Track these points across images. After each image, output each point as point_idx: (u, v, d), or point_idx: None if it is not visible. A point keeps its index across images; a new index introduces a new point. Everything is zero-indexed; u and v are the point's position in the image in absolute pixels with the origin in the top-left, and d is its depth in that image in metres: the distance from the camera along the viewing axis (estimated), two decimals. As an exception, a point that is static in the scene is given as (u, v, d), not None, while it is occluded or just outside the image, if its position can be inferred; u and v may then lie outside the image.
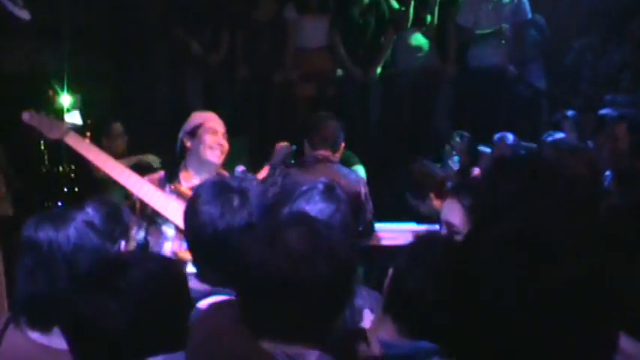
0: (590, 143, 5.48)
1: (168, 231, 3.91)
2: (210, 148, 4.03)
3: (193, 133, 4.08)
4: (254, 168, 5.93)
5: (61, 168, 6.33)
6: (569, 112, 6.27)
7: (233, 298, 1.90)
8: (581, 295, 1.16)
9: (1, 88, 6.33)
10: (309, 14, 7.63)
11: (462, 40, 7.74)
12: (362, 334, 2.04)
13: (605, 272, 1.18)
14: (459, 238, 2.51)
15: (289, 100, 7.64)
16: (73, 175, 6.48)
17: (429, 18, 7.75)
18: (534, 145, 5.66)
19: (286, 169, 4.68)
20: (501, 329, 1.16)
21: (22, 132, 4.18)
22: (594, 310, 1.17)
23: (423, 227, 4.82)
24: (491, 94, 7.44)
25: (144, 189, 3.94)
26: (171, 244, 3.89)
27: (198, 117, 4.19)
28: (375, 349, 1.96)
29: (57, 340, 2.29)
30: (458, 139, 6.38)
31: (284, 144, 4.79)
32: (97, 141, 5.56)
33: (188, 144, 4.09)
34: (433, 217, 4.35)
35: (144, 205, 3.96)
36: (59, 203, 6.12)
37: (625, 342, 1.24)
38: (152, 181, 4.02)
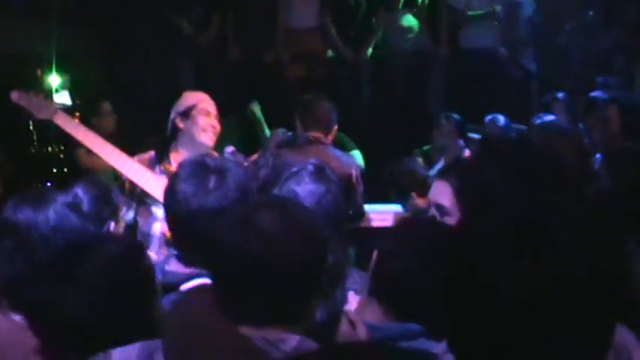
0: (580, 125, 5.47)
1: (158, 212, 3.89)
2: (204, 130, 4.02)
3: (186, 114, 4.06)
4: (245, 148, 5.92)
5: (50, 148, 6.30)
6: (560, 94, 6.27)
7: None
8: (582, 285, 1.15)
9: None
10: (300, -6, 7.60)
11: (454, 21, 7.72)
12: (347, 317, 2.03)
13: (606, 261, 1.17)
14: (449, 220, 2.50)
15: (280, 80, 7.61)
16: (62, 155, 6.45)
17: (420, -1, 7.73)
18: (525, 127, 5.66)
19: (277, 150, 4.66)
20: (501, 320, 1.15)
21: (12, 112, 4.15)
22: (594, 300, 1.16)
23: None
24: (482, 76, 7.43)
25: (133, 169, 3.93)
26: (161, 225, 3.87)
27: (191, 98, 4.17)
28: (361, 331, 1.96)
29: None
30: (444, 120, 6.37)
31: (280, 130, 4.78)
32: (86, 121, 5.53)
33: (181, 125, 4.07)
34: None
35: (133, 186, 3.94)
36: (48, 184, 6.10)
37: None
38: (142, 162, 4.00)
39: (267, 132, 6.05)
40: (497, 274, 1.16)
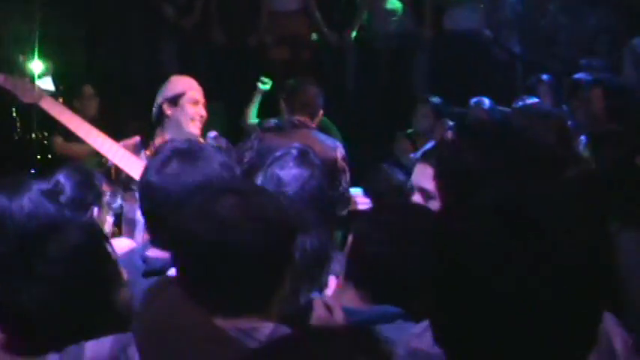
0: (565, 107, 5.48)
1: (144, 197, 3.87)
2: (192, 119, 4.02)
3: (174, 101, 4.05)
4: (229, 133, 5.90)
5: (33, 135, 6.26)
6: (544, 76, 6.27)
7: None
8: (568, 273, 1.15)
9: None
10: (284, -23, 7.56)
11: (438, 3, 7.70)
12: (323, 302, 2.03)
13: (593, 246, 1.17)
14: (434, 203, 2.50)
15: (264, 64, 7.59)
16: (45, 142, 6.40)
17: (404, -19, 7.70)
18: (510, 110, 5.67)
19: (262, 133, 4.65)
20: (490, 310, 1.15)
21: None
22: (584, 286, 1.16)
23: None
24: (467, 58, 7.42)
25: (119, 154, 3.91)
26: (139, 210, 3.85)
27: (180, 84, 4.14)
28: (338, 316, 1.95)
29: None
30: (420, 104, 6.37)
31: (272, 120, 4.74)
32: (68, 105, 5.49)
33: (168, 112, 4.05)
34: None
35: (118, 171, 3.92)
36: (32, 171, 6.06)
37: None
38: (127, 147, 3.98)
39: (254, 117, 6.02)
40: (483, 263, 1.15)
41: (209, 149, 2.40)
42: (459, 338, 1.20)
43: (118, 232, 3.73)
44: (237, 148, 4.50)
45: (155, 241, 2.42)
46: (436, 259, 1.24)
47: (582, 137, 3.99)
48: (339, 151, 4.50)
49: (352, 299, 2.06)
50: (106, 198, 3.29)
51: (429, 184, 2.57)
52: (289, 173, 2.77)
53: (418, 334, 1.68)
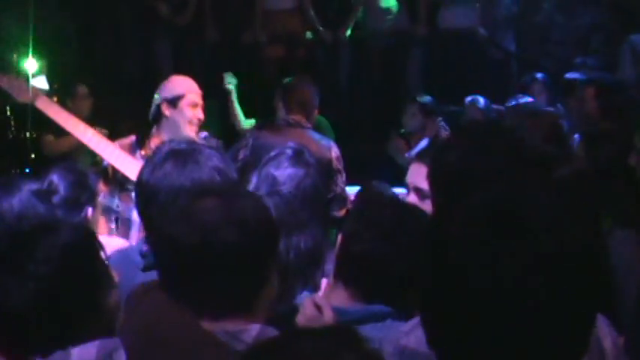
0: (560, 106, 5.49)
1: (139, 197, 3.87)
2: (190, 122, 4.03)
3: (174, 103, 4.05)
4: (223, 131, 5.90)
5: (27, 134, 6.25)
6: (539, 75, 6.28)
7: None
8: (564, 271, 1.15)
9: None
10: (278, -25, 7.56)
11: (433, 1, 7.71)
12: (313, 302, 2.03)
13: (581, 246, 1.17)
14: (429, 203, 2.49)
15: (258, 62, 7.59)
16: (40, 141, 6.39)
17: (399, -21, 7.71)
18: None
19: (257, 132, 4.65)
20: (480, 309, 1.15)
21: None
22: (577, 286, 1.16)
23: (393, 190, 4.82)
24: (462, 57, 7.43)
25: (114, 154, 3.91)
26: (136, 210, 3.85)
27: (180, 86, 4.13)
28: (327, 315, 1.96)
29: None
30: (408, 103, 6.36)
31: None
32: (62, 104, 5.48)
33: (166, 112, 4.05)
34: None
35: (115, 171, 3.93)
36: (26, 170, 6.05)
37: None
38: (123, 147, 3.98)
39: (243, 115, 6.02)
40: (474, 264, 1.16)
41: (207, 152, 2.38)
42: (450, 339, 1.20)
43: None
44: (232, 146, 4.51)
45: (147, 238, 2.43)
46: (427, 260, 1.24)
47: (576, 136, 4.00)
48: (334, 151, 4.51)
49: (342, 298, 2.06)
50: (105, 200, 3.28)
51: (424, 184, 2.57)
52: (284, 173, 2.77)
53: (407, 332, 1.69)
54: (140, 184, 2.39)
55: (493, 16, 7.71)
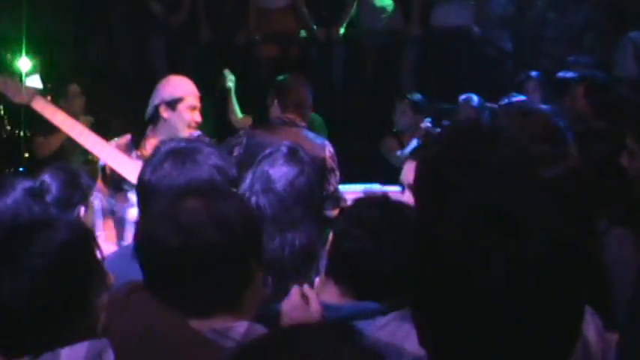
0: (554, 105, 5.49)
1: (134, 197, 3.86)
2: (188, 126, 4.03)
3: (172, 105, 4.04)
4: (217, 130, 5.90)
5: (21, 133, 6.24)
6: (533, 73, 6.28)
7: None
8: (551, 271, 1.16)
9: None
10: (272, -26, 7.55)
11: (427, 0, 7.71)
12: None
13: (574, 245, 1.18)
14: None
15: (252, 61, 7.58)
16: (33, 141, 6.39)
17: (393, -22, 7.71)
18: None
19: (252, 130, 4.65)
20: (471, 307, 1.16)
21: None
22: (564, 285, 1.16)
23: (387, 188, 4.82)
24: (456, 55, 7.43)
25: (111, 155, 3.90)
26: (137, 211, 3.84)
27: (179, 88, 4.12)
28: (314, 306, 1.97)
29: None
30: (398, 101, 6.36)
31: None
32: (56, 104, 5.48)
33: (164, 114, 4.04)
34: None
35: (112, 171, 3.92)
36: (20, 169, 6.05)
37: None
38: (119, 147, 3.97)
39: (238, 110, 6.01)
40: (464, 263, 1.16)
41: (206, 151, 2.38)
42: (442, 338, 1.20)
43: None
44: (225, 143, 4.50)
45: None
46: (418, 259, 1.24)
47: (569, 135, 3.99)
48: (328, 150, 4.50)
49: (333, 295, 2.09)
50: (104, 202, 3.28)
51: (418, 182, 2.57)
52: (279, 170, 2.78)
53: (381, 326, 1.70)
54: (141, 184, 2.39)
55: (487, 14, 7.71)
